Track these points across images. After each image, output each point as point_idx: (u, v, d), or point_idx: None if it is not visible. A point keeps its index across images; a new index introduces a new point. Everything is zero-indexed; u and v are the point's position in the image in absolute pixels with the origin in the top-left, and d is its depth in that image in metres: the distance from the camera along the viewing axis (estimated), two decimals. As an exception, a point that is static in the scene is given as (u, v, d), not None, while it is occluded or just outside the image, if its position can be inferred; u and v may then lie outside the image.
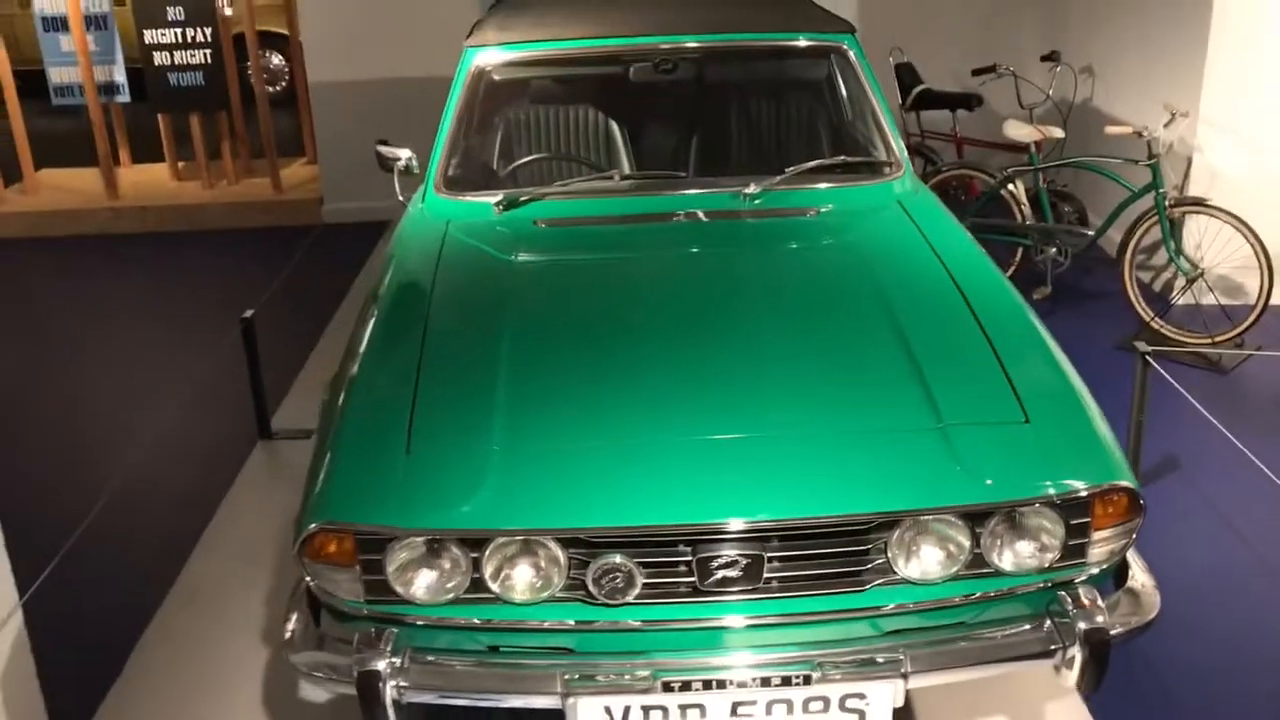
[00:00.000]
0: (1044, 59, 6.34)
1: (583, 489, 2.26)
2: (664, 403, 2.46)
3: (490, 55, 3.82)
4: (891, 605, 2.28)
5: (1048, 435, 2.37)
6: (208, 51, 7.44)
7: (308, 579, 2.32)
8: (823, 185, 3.53)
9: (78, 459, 4.46)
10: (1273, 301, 4.76)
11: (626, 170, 3.81)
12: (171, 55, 7.42)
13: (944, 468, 2.27)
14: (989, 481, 2.26)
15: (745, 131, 3.95)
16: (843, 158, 3.65)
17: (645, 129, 3.95)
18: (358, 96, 7.21)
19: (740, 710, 2.25)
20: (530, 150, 3.89)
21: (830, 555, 2.25)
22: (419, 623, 2.30)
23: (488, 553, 2.24)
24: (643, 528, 2.20)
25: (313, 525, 2.25)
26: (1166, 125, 4.90)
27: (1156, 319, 4.98)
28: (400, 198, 3.95)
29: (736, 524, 2.20)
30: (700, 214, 3.41)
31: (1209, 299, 5.08)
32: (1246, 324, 4.81)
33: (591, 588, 2.23)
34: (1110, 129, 4.94)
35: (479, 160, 3.87)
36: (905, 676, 2.24)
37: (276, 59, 10.69)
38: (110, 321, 6.00)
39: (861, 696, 2.25)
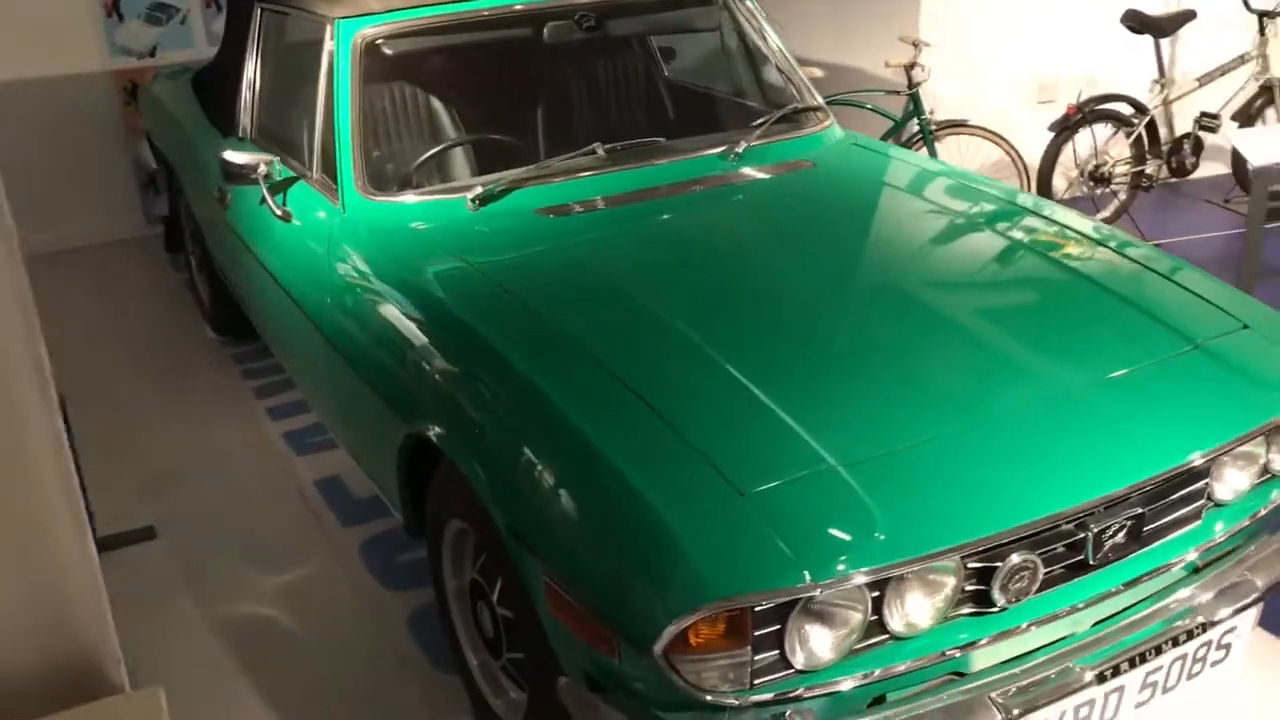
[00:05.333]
0: None
1: (972, 492, 1.95)
2: (940, 379, 2.20)
3: (372, 27, 3.15)
4: (1223, 531, 2.23)
5: (1273, 337, 2.41)
6: None
7: (681, 682, 1.79)
8: (781, 138, 3.33)
9: None
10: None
11: (544, 142, 3.35)
12: None
13: (1241, 386, 2.24)
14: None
15: (673, 89, 3.64)
16: (798, 104, 3.46)
17: (563, 95, 3.49)
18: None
19: (1150, 679, 2.09)
20: (445, 132, 3.28)
21: (1179, 498, 2.14)
22: (809, 694, 1.88)
23: (891, 588, 1.87)
24: (1050, 517, 1.95)
25: (692, 612, 1.74)
26: (916, 54, 5.22)
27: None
28: (278, 211, 3.19)
29: (1127, 489, 2.02)
30: (714, 180, 3.09)
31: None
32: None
33: (997, 595, 1.95)
34: (891, 60, 5.16)
35: (392, 153, 3.20)
36: (1263, 599, 2.20)
37: None
38: None
39: (1233, 630, 2.19)
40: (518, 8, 3.28)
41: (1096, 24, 5.77)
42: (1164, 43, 5.60)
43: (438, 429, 2.36)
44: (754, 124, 3.26)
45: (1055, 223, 2.85)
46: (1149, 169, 5.59)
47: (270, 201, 3.17)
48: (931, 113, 5.32)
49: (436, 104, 3.27)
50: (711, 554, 1.81)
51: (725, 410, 2.09)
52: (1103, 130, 5.48)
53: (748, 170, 3.13)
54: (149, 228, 6.08)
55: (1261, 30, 5.52)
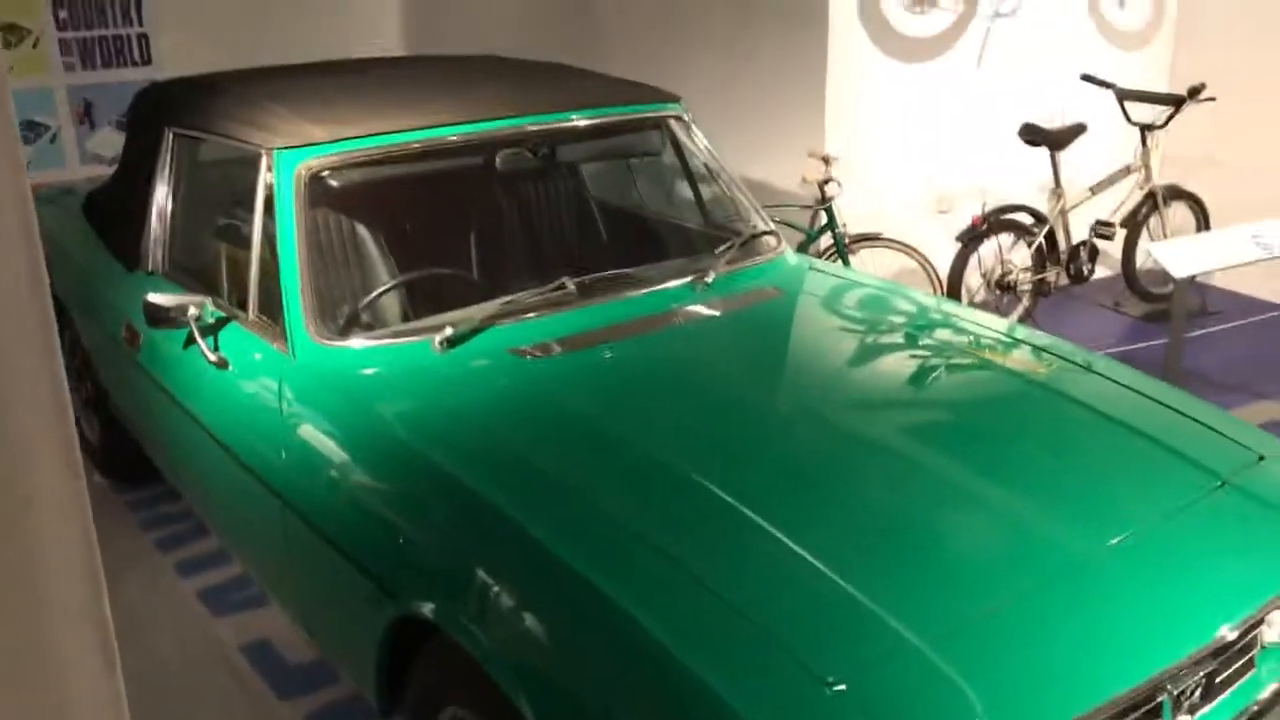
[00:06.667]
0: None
1: (1057, 663, 1.83)
2: (992, 535, 2.09)
3: (316, 158, 2.93)
4: (1269, 675, 2.15)
5: (1285, 466, 2.40)
6: None
7: None
8: (744, 265, 3.23)
9: None
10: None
11: (504, 276, 3.17)
12: None
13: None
14: (1312, 523, 2.23)
15: (630, 216, 3.51)
16: (755, 230, 3.37)
17: (519, 226, 3.32)
18: None
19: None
20: (399, 268, 3.06)
21: (1241, 646, 2.07)
22: None
23: None
24: (1136, 688, 1.84)
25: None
26: (828, 170, 5.25)
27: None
28: (212, 357, 2.90)
29: (1206, 645, 1.93)
30: (688, 312, 2.96)
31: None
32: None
33: None
34: (807, 175, 5.17)
35: (345, 292, 2.95)
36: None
37: None
38: None
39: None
40: (454, 138, 3.08)
41: (987, 137, 5.94)
42: (1058, 155, 5.79)
43: (432, 606, 2.12)
44: (717, 251, 3.16)
45: (1048, 352, 2.82)
46: (1049, 276, 5.73)
47: (203, 346, 2.89)
48: (844, 226, 5.35)
49: (387, 238, 3.05)
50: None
51: (780, 582, 1.92)
52: (1005, 239, 5.60)
53: (719, 301, 3.01)
54: (14, 360, 5.59)
55: (1144, 142, 5.77)
